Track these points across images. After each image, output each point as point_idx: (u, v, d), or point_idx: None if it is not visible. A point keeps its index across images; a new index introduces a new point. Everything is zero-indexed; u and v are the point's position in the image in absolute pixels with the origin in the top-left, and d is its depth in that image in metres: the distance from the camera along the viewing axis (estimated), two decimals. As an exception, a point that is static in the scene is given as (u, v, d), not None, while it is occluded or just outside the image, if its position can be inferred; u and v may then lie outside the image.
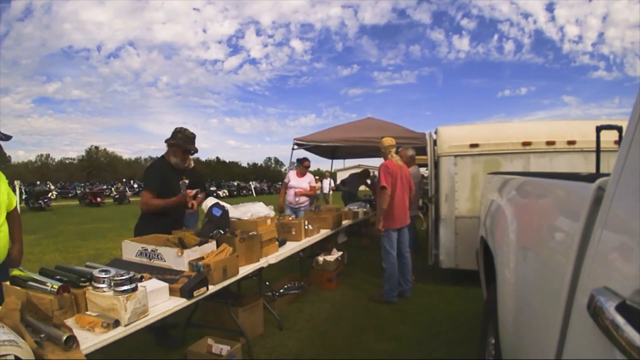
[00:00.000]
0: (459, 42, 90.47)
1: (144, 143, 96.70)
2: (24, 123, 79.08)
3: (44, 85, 79.37)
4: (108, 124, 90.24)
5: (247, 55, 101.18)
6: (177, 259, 2.22)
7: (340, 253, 4.61)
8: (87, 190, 22.82)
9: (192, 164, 3.45)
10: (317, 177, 10.10)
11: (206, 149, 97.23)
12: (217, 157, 66.40)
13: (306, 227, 3.72)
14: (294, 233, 3.57)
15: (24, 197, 17.09)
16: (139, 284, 1.73)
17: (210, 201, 2.95)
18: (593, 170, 2.71)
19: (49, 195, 18.44)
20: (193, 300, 2.02)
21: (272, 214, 3.25)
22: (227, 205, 2.99)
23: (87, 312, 1.64)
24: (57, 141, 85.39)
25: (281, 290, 3.67)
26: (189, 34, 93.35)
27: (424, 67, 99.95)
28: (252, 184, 35.64)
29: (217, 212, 2.80)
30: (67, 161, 58.11)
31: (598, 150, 2.38)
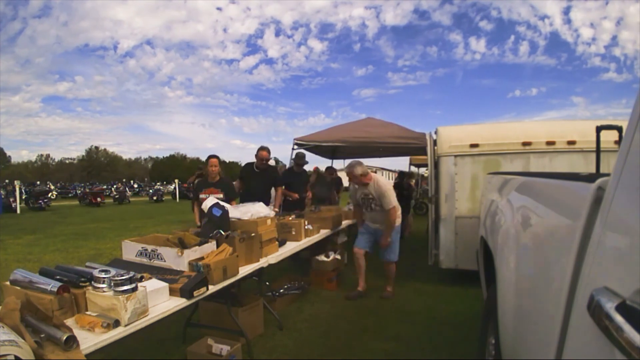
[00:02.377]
0: (476, 43, 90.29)
1: (150, 143, 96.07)
2: (32, 122, 78.47)
3: (56, 84, 78.47)
4: (117, 124, 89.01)
5: (264, 55, 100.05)
6: (177, 259, 2.23)
7: (340, 253, 4.61)
8: (87, 190, 22.79)
9: None
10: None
11: (212, 149, 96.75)
12: (217, 157, 66.27)
13: (306, 227, 3.72)
14: (294, 233, 3.58)
15: (24, 197, 17.07)
16: (139, 284, 1.73)
17: (210, 201, 2.95)
18: (593, 170, 2.71)
19: (49, 195, 18.43)
20: (193, 300, 2.02)
21: (272, 214, 3.25)
22: (227, 206, 2.99)
23: (87, 312, 1.64)
24: (63, 141, 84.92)
25: (281, 290, 3.67)
26: (209, 33, 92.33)
27: (438, 69, 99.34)
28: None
29: (217, 213, 2.80)
30: (67, 161, 58.12)
31: (598, 150, 2.38)
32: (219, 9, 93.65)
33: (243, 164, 5.07)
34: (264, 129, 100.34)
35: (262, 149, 4.47)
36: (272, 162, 4.91)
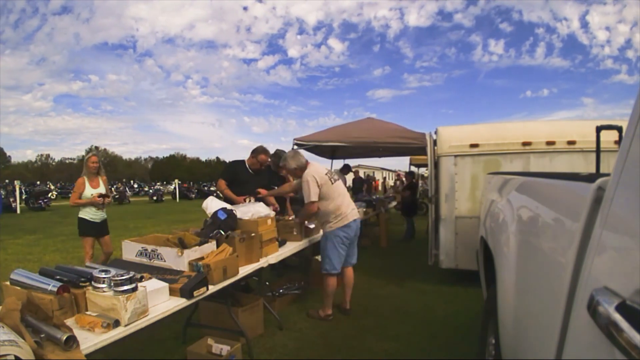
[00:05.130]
0: (494, 45, 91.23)
1: (156, 142, 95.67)
2: (41, 122, 77.76)
3: (70, 83, 77.84)
4: (127, 123, 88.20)
5: (284, 55, 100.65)
6: (177, 259, 2.23)
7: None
8: (87, 190, 22.76)
9: None
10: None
11: (218, 149, 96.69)
12: (217, 157, 66.18)
13: (306, 227, 3.71)
14: (295, 233, 3.57)
15: (24, 197, 17.06)
16: (139, 284, 1.73)
17: (216, 204, 2.92)
18: (593, 170, 2.71)
19: (49, 195, 18.43)
20: (193, 300, 2.02)
21: (273, 214, 3.25)
22: (233, 208, 2.96)
23: (87, 312, 1.64)
24: (70, 140, 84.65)
25: (281, 290, 3.66)
26: (232, 32, 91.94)
27: (454, 70, 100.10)
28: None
29: (222, 216, 2.79)
30: (67, 161, 58.09)
31: (598, 150, 2.38)
32: (245, 8, 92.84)
33: (230, 162, 4.49)
34: (274, 128, 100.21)
35: (263, 151, 3.98)
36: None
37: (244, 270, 2.57)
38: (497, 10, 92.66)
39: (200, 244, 2.39)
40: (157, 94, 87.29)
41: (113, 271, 1.72)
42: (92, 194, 4.07)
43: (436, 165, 4.57)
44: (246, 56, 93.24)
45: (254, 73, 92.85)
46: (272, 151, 4.35)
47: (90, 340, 1.46)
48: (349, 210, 3.34)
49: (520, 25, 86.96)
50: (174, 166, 54.22)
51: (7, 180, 26.02)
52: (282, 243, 3.29)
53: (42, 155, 57.95)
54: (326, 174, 3.33)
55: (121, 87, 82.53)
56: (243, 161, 4.07)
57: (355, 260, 3.56)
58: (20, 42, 68.18)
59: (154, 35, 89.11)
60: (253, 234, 2.78)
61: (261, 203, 3.34)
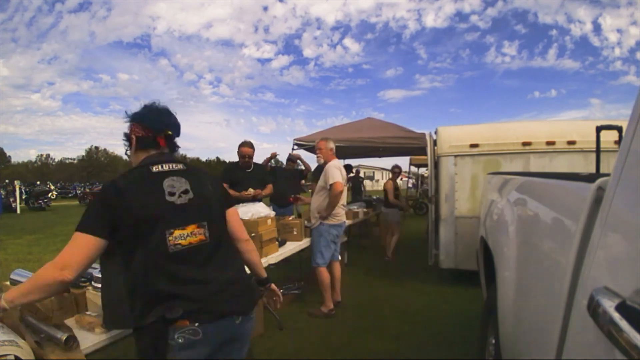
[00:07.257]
0: (508, 47, 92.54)
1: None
2: (48, 121, 77.22)
3: (80, 82, 77.49)
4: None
5: (299, 56, 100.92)
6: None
7: (340, 253, 4.60)
8: (87, 190, 22.78)
9: None
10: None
11: (223, 148, 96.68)
12: (217, 157, 66.14)
13: (306, 226, 3.71)
14: (295, 233, 3.57)
15: (24, 197, 17.04)
16: (139, 284, 1.73)
17: None
18: (593, 170, 2.71)
19: (49, 195, 18.37)
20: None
21: (273, 214, 3.25)
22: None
23: (87, 312, 1.64)
24: (75, 140, 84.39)
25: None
26: (249, 32, 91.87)
27: (466, 71, 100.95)
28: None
29: None
30: (67, 161, 58.12)
31: (598, 150, 2.38)
32: (265, 8, 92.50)
33: (226, 165, 4.69)
34: (281, 128, 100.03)
35: (243, 144, 3.85)
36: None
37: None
38: (514, 12, 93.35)
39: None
40: (168, 93, 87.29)
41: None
42: None
43: (436, 165, 4.58)
44: (261, 56, 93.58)
45: (267, 73, 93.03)
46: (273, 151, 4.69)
47: (90, 340, 1.46)
48: (343, 212, 3.65)
49: (534, 27, 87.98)
50: (173, 166, 54.06)
51: (7, 180, 25.96)
52: (282, 243, 3.29)
53: (42, 155, 58.03)
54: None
55: (132, 86, 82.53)
56: (237, 162, 4.10)
57: (339, 257, 3.83)
58: (32, 41, 67.79)
59: (170, 34, 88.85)
60: (253, 234, 2.77)
61: (261, 203, 3.34)
